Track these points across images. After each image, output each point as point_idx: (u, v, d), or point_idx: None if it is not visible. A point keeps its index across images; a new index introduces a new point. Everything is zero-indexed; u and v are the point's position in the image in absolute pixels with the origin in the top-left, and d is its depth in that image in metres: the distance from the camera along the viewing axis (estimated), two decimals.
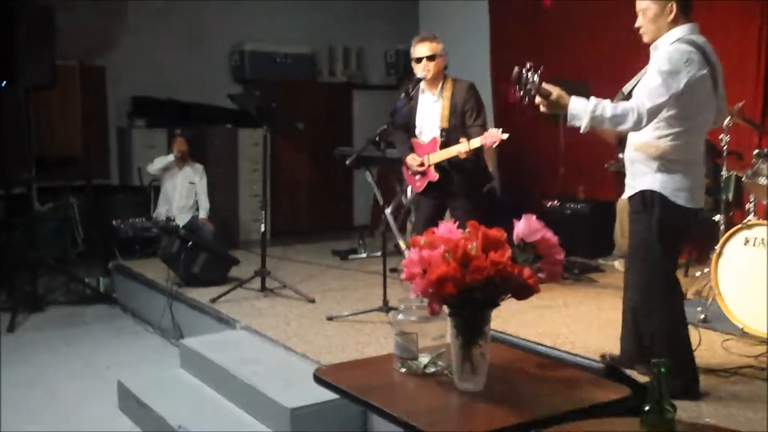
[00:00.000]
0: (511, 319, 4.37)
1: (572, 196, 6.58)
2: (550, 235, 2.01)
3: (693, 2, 3.19)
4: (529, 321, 4.43)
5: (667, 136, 3.15)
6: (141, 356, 4.99)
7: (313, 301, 4.99)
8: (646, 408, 1.46)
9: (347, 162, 4.37)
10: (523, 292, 1.94)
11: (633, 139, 3.32)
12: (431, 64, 4.52)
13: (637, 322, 3.34)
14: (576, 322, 4.50)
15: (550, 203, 6.53)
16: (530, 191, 7.23)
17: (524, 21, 7.35)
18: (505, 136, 4.35)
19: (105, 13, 7.97)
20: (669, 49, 3.09)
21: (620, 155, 4.00)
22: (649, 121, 3.04)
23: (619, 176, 6.39)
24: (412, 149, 4.69)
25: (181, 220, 6.76)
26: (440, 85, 4.60)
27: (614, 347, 3.68)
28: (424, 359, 2.16)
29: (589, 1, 6.57)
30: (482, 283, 1.87)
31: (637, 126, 3.03)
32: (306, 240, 7.68)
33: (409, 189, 4.92)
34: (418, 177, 4.67)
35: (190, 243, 5.51)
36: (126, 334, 5.54)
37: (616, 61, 5.96)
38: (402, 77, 9.39)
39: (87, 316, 5.98)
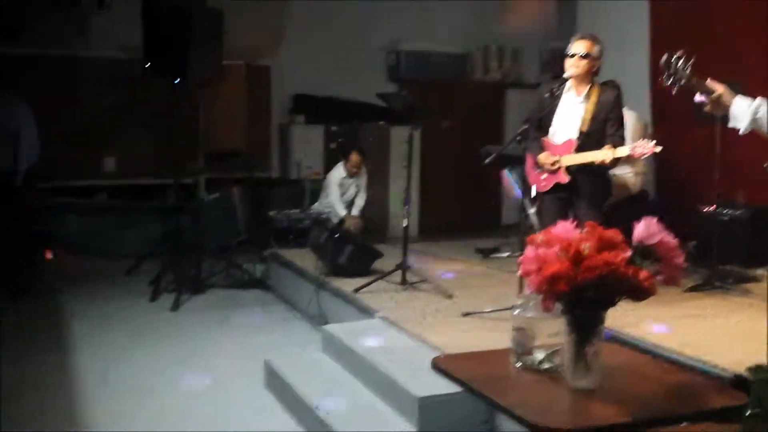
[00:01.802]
0: (654, 326, 4.26)
1: (731, 201, 6.25)
2: (669, 238, 2.00)
3: None
4: (673, 328, 4.29)
5: None
6: (288, 339, 5.29)
7: (450, 296, 5.08)
8: (747, 413, 1.45)
9: (486, 161, 4.41)
10: (639, 293, 1.94)
11: None
12: (582, 62, 4.48)
13: None
14: (723, 332, 4.31)
15: (705, 208, 6.23)
16: (686, 195, 6.94)
17: (685, 21, 7.05)
18: (659, 148, 4.25)
19: (270, 15, 8.44)
20: None
21: None
22: None
23: None
24: (542, 148, 4.67)
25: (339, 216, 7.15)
26: (587, 87, 4.55)
27: (763, 360, 3.51)
28: (539, 355, 2.20)
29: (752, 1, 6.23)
30: (594, 282, 1.89)
31: None
32: (453, 237, 7.77)
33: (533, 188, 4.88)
34: (545, 176, 4.64)
35: (337, 235, 5.75)
36: (277, 319, 5.88)
37: None
38: (557, 75, 9.24)
39: (243, 299, 6.39)
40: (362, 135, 8.67)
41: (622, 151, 4.35)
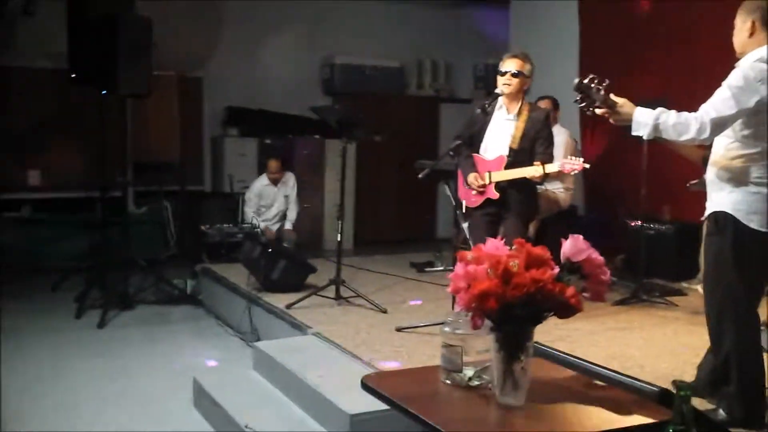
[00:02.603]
0: (582, 339, 4.33)
1: (657, 217, 6.43)
2: (596, 255, 2.02)
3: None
4: (600, 342, 4.37)
5: (741, 156, 3.07)
6: (219, 356, 5.18)
7: (385, 311, 5.06)
8: (669, 430, 1.46)
9: (420, 176, 4.43)
10: (565, 310, 1.95)
11: (711, 159, 3.25)
12: (515, 80, 4.54)
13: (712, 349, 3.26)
14: (649, 345, 4.40)
15: (633, 223, 6.39)
16: (614, 210, 7.10)
17: (614, 38, 7.24)
18: (587, 165, 4.34)
19: (202, 25, 8.33)
20: (744, 66, 3.03)
21: (705, 175, 3.89)
22: (713, 133, 2.98)
23: (704, 196, 6.26)
24: (474, 164, 4.72)
25: (272, 228, 7.05)
26: (518, 105, 4.61)
27: (688, 374, 3.60)
28: (468, 372, 2.19)
29: (680, 18, 6.43)
30: (522, 300, 1.89)
31: (700, 136, 2.97)
32: (388, 251, 7.78)
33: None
34: (475, 193, 4.69)
35: (270, 249, 5.68)
36: (208, 335, 5.76)
37: (705, 81, 5.82)
38: (490, 91, 9.37)
39: (173, 315, 6.25)
40: (297, 148, 8.62)
41: (552, 168, 4.43)
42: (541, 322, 2.00)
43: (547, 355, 2.42)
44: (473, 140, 4.72)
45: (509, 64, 4.57)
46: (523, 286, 1.87)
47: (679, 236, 6.19)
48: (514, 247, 2.05)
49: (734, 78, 3.01)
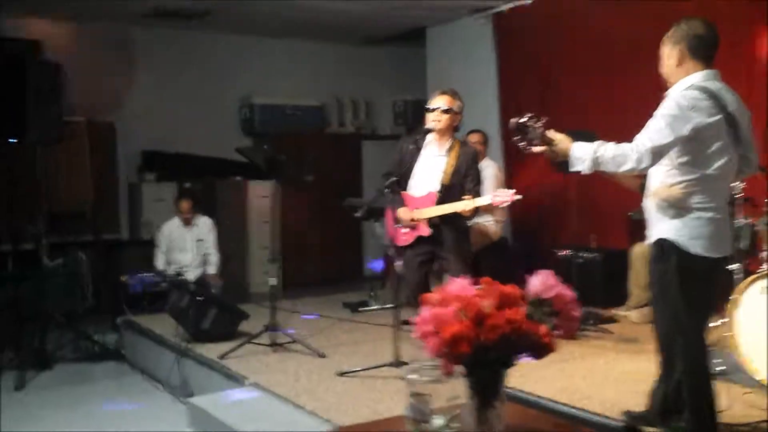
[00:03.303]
0: (529, 374, 4.27)
1: (584, 245, 6.50)
2: (566, 291, 1.96)
3: (711, 48, 3.11)
4: (547, 376, 4.31)
5: (680, 183, 3.08)
6: (148, 414, 4.89)
7: (323, 355, 4.91)
8: None
9: (357, 214, 4.35)
10: (540, 350, 1.88)
11: (650, 187, 3.27)
12: (444, 117, 4.54)
13: (662, 376, 3.25)
14: (593, 375, 4.39)
15: (561, 252, 6.45)
16: (541, 240, 7.18)
17: (532, 71, 7.36)
18: (518, 197, 4.34)
19: (113, 69, 8.07)
20: (676, 95, 3.05)
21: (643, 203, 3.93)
22: (651, 162, 2.99)
23: (631, 224, 6.38)
24: (402, 201, 4.67)
25: (191, 275, 6.75)
26: (449, 141, 4.60)
27: (632, 402, 3.58)
28: (438, 421, 2.08)
29: (598, 50, 6.58)
30: (497, 342, 1.81)
31: (639, 165, 2.98)
32: (316, 292, 7.62)
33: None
34: (406, 230, 4.63)
35: (199, 298, 5.45)
36: (134, 392, 5.44)
37: (625, 112, 5.96)
38: (410, 128, 9.44)
39: (96, 373, 5.90)
40: (218, 191, 8.40)
41: (483, 201, 4.41)
42: (513, 365, 1.92)
43: (512, 396, 2.34)
44: (401, 178, 4.68)
45: (438, 101, 4.56)
46: (499, 328, 1.79)
47: (607, 264, 6.26)
48: (480, 287, 1.98)
49: (667, 107, 3.03)
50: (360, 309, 6.51)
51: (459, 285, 1.98)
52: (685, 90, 3.04)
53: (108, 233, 7.98)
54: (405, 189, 4.71)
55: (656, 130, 2.98)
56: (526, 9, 7.39)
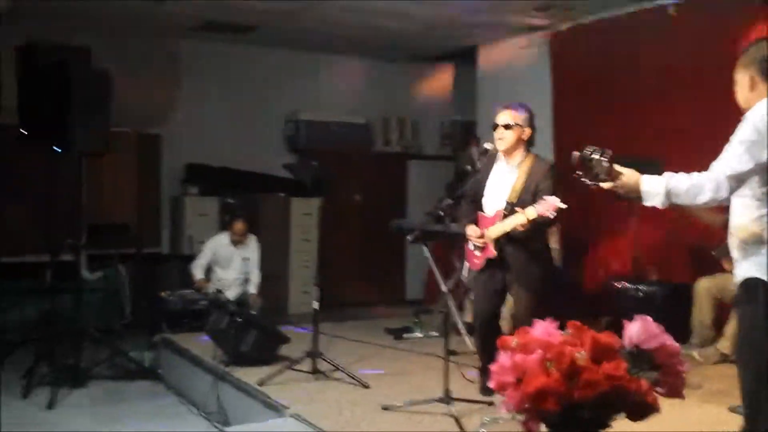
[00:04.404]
0: None
1: (643, 277, 6.16)
2: (671, 342, 1.68)
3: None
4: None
5: (763, 216, 2.81)
6: None
7: (367, 386, 4.65)
8: None
9: (409, 238, 4.10)
10: (641, 411, 1.61)
11: (731, 222, 3.00)
12: (506, 133, 4.29)
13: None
14: (661, 423, 4.04)
15: (619, 284, 6.12)
16: (594, 270, 6.84)
17: (589, 93, 7.06)
18: (563, 205, 4.02)
19: (162, 81, 7.99)
20: (754, 119, 2.82)
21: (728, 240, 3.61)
22: (730, 191, 2.77)
23: (695, 256, 6.03)
24: (475, 223, 4.40)
25: (232, 294, 6.57)
26: (520, 157, 4.32)
27: None
28: None
29: (659, 73, 6.27)
30: (593, 400, 1.54)
31: (717, 195, 2.76)
32: (356, 315, 7.39)
33: (466, 266, 4.61)
34: (477, 253, 4.36)
35: (240, 319, 5.24)
36: (168, 415, 5.23)
37: (692, 138, 5.63)
38: (457, 149, 9.21)
39: (130, 392, 5.69)
40: (261, 207, 8.24)
41: (530, 212, 4.09)
42: (608, 426, 1.65)
43: None
44: (475, 198, 4.43)
45: (500, 117, 4.32)
46: (596, 385, 1.52)
47: (668, 298, 5.91)
48: (567, 331, 1.71)
49: (745, 132, 2.81)
50: (404, 336, 6.24)
51: (543, 328, 1.72)
52: (763, 114, 2.81)
53: (149, 247, 7.87)
54: (480, 209, 4.44)
55: (735, 156, 2.77)
56: (584, 28, 7.12)
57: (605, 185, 2.86)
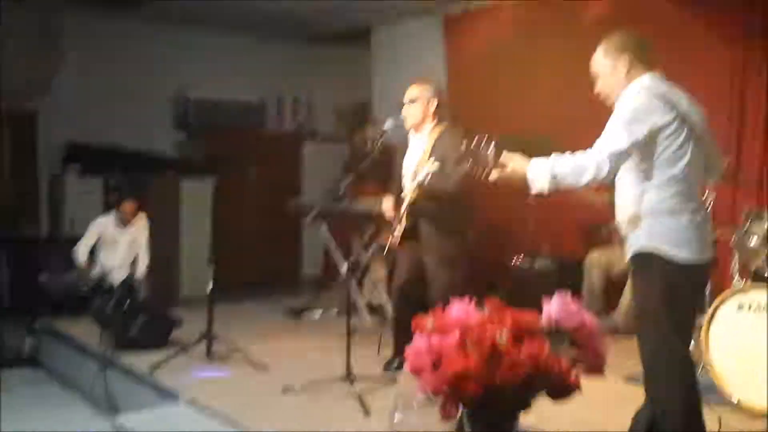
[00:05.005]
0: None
1: (536, 253, 6.27)
2: (590, 319, 1.65)
3: (652, 52, 3.05)
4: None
5: (649, 189, 2.92)
6: (68, 428, 4.41)
7: (266, 367, 4.52)
8: None
9: (309, 218, 3.98)
10: (562, 390, 1.57)
11: (618, 200, 3.08)
12: (412, 107, 4.27)
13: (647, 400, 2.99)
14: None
15: (514, 260, 6.22)
16: (493, 245, 6.92)
17: (481, 74, 7.11)
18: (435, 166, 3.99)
19: (38, 54, 7.48)
20: (628, 100, 2.94)
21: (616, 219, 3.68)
22: (612, 169, 2.85)
23: (585, 231, 6.19)
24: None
25: (118, 277, 6.25)
26: (429, 128, 4.26)
27: (613, 423, 3.31)
28: None
29: (549, 53, 6.36)
30: (516, 382, 1.49)
31: (599, 174, 2.83)
32: (253, 294, 7.22)
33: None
34: (395, 229, 4.29)
35: (126, 302, 4.99)
36: (52, 404, 4.96)
37: (580, 115, 5.75)
38: (352, 129, 9.11)
39: (9, 380, 5.36)
40: (149, 186, 7.86)
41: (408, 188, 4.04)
42: (529, 406, 1.61)
43: None
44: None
45: (407, 94, 4.27)
46: (519, 367, 1.47)
47: (560, 272, 6.05)
48: (484, 309, 1.65)
49: (620, 112, 2.91)
50: (303, 315, 6.13)
51: (460, 308, 1.65)
52: (638, 93, 2.95)
53: (27, 229, 7.40)
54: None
55: (612, 136, 2.87)
56: (476, 11, 7.16)
57: (494, 176, 2.88)
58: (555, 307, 1.65)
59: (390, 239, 4.30)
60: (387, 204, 4.29)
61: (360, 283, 5.93)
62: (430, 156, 4.13)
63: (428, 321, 1.64)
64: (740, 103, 5.36)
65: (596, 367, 1.65)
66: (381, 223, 5.45)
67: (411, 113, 4.25)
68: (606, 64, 3.04)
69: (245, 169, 7.55)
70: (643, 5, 5.69)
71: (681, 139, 2.89)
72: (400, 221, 4.22)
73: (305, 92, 9.28)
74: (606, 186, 3.10)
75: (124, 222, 6.53)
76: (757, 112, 5.27)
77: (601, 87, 3.09)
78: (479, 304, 1.65)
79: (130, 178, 7.79)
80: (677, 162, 2.90)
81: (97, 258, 6.55)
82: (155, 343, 4.94)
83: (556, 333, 1.65)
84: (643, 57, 3.01)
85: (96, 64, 7.92)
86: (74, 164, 7.83)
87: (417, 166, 4.18)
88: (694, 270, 2.92)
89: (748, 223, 4.00)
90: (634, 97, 2.92)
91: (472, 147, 2.84)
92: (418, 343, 1.59)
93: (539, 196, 3.00)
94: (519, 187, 2.91)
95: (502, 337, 1.51)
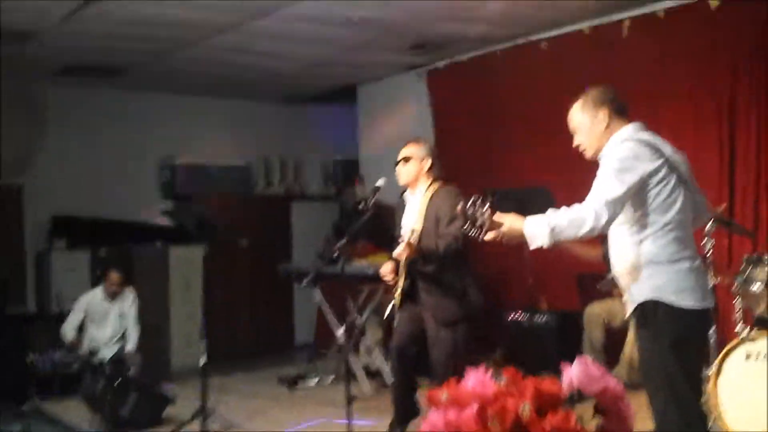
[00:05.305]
0: None
1: (534, 307, 6.16)
2: (614, 384, 1.56)
3: (629, 103, 3.10)
4: None
5: (645, 238, 2.89)
6: None
7: None
8: None
9: (304, 282, 3.88)
10: None
11: (614, 253, 3.03)
12: (406, 166, 4.24)
13: None
14: None
15: (512, 315, 6.11)
16: (488, 301, 6.81)
17: (470, 127, 7.10)
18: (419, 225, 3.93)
19: (22, 128, 7.43)
20: (614, 151, 2.94)
21: (609, 274, 3.61)
22: (611, 218, 2.81)
23: (583, 284, 6.10)
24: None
25: (108, 353, 6.08)
26: (424, 187, 4.23)
27: None
28: None
29: (539, 104, 6.36)
30: None
31: (598, 223, 2.79)
32: (246, 365, 7.05)
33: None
34: (396, 290, 4.20)
35: (117, 381, 4.83)
36: None
37: (576, 163, 5.72)
38: (341, 188, 9.07)
39: None
40: (136, 257, 7.74)
41: (398, 249, 4.00)
42: None
43: None
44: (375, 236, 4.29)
45: (402, 152, 4.25)
46: None
47: (560, 327, 5.93)
48: (502, 380, 1.55)
49: (609, 163, 2.91)
50: (298, 384, 5.96)
51: (475, 378, 1.55)
52: (621, 144, 2.95)
53: (12, 306, 7.22)
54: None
55: (606, 186, 2.85)
56: (460, 65, 7.19)
57: (490, 236, 2.83)
58: (576, 371, 1.55)
59: (391, 302, 4.21)
60: (386, 267, 4.19)
61: (356, 348, 5.79)
62: (425, 215, 4.08)
63: (443, 394, 1.53)
64: (730, 150, 5.36)
65: None
66: (377, 285, 5.36)
67: (405, 171, 4.23)
68: (584, 119, 3.06)
69: (235, 235, 7.47)
70: (629, 59, 5.74)
71: (671, 185, 2.89)
72: (399, 282, 4.13)
73: (293, 153, 9.26)
74: (599, 240, 3.06)
75: (112, 295, 6.38)
76: (747, 155, 5.26)
77: (579, 141, 3.10)
78: (482, 362, 1.55)
79: (117, 249, 7.68)
80: (670, 208, 2.89)
81: (85, 334, 6.39)
82: (148, 423, 4.77)
83: (578, 398, 1.55)
84: (621, 111, 3.04)
85: (80, 136, 7.87)
86: (60, 239, 7.71)
87: (414, 224, 4.12)
88: (699, 317, 2.89)
89: (749, 269, 3.92)
90: (621, 147, 2.93)
91: (467, 206, 2.79)
92: (434, 418, 1.49)
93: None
94: (517, 244, 2.88)
95: (525, 409, 1.41)
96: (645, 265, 2.88)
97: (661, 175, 2.86)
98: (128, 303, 6.46)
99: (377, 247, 5.76)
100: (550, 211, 2.82)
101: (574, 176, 5.31)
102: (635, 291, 2.93)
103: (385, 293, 4.76)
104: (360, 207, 4.28)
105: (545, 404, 1.44)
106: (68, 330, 6.33)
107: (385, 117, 8.06)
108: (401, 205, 4.33)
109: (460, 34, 6.39)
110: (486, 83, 6.92)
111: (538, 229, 2.78)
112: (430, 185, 4.23)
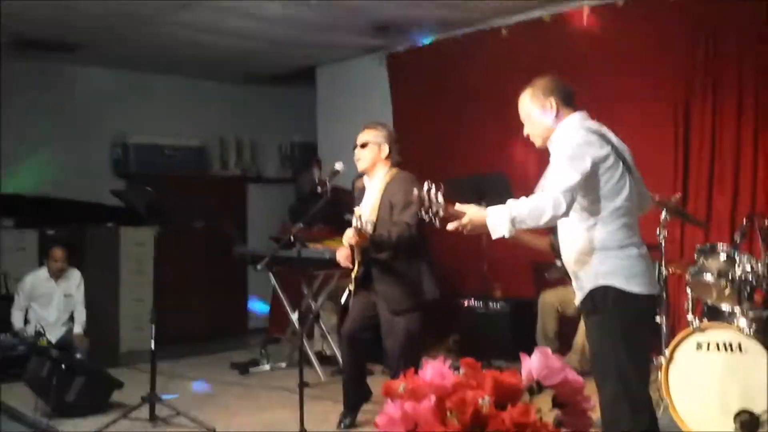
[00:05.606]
0: None
1: (488, 295, 6.17)
2: (573, 376, 1.53)
3: (575, 93, 3.12)
4: None
5: (594, 225, 2.92)
6: None
7: (213, 430, 4.27)
8: None
9: (259, 266, 3.80)
10: None
11: (563, 240, 3.03)
12: (363, 152, 4.17)
13: None
14: None
15: (466, 302, 6.11)
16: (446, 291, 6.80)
17: (428, 111, 7.06)
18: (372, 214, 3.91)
19: None
20: (564, 138, 2.97)
21: (558, 262, 3.61)
22: (568, 204, 2.81)
23: (537, 271, 6.12)
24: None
25: (54, 335, 5.91)
26: (381, 174, 4.15)
27: None
28: None
29: (494, 86, 6.34)
30: None
31: (558, 211, 2.80)
32: (197, 350, 6.93)
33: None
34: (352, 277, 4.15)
35: (63, 365, 4.69)
36: None
37: (534, 150, 5.73)
38: (297, 171, 8.96)
39: None
40: (86, 238, 7.55)
41: (349, 233, 3.96)
42: None
43: None
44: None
45: (359, 137, 4.17)
46: None
47: (514, 314, 5.96)
48: (460, 371, 1.51)
49: (561, 150, 2.93)
50: (250, 370, 5.88)
51: (434, 368, 1.51)
52: (572, 130, 2.99)
53: None
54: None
55: (561, 174, 2.86)
56: (420, 49, 7.14)
57: (452, 226, 2.81)
58: (536, 363, 1.52)
59: (347, 288, 4.16)
60: (341, 253, 4.14)
61: (310, 333, 5.73)
62: (381, 202, 4.03)
63: (399, 385, 1.48)
64: (684, 139, 5.42)
65: (583, 429, 1.52)
66: (332, 270, 5.30)
67: (362, 157, 4.16)
68: (534, 107, 3.08)
69: (189, 216, 7.32)
70: (589, 47, 5.76)
71: (619, 172, 2.92)
72: (354, 269, 4.08)
73: (249, 134, 9.12)
74: (546, 230, 3.06)
75: (57, 273, 6.21)
76: (702, 145, 5.33)
77: (529, 130, 3.12)
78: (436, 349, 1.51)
79: (66, 229, 7.48)
80: (618, 194, 2.92)
81: (31, 314, 6.21)
82: (95, 408, 4.65)
83: (537, 390, 1.52)
84: (569, 100, 3.06)
85: (29, 112, 7.63)
86: (7, 217, 7.49)
87: (370, 212, 4.06)
88: (647, 302, 2.95)
89: (702, 259, 3.96)
90: (571, 134, 2.96)
91: (422, 193, 2.75)
92: (391, 410, 1.44)
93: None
94: (478, 233, 2.86)
95: (485, 402, 1.37)
96: (595, 251, 2.91)
97: (609, 162, 2.89)
98: (74, 283, 6.30)
99: (334, 232, 5.70)
100: (511, 201, 2.80)
101: (530, 162, 5.37)
102: (585, 278, 2.96)
103: (341, 279, 4.69)
104: (317, 191, 4.22)
105: (505, 396, 1.40)
106: (15, 318, 6.15)
107: (345, 100, 7.97)
108: (359, 193, 4.25)
109: (420, 17, 6.34)
110: (446, 68, 6.88)
111: (499, 220, 2.76)
112: (387, 171, 4.17)
